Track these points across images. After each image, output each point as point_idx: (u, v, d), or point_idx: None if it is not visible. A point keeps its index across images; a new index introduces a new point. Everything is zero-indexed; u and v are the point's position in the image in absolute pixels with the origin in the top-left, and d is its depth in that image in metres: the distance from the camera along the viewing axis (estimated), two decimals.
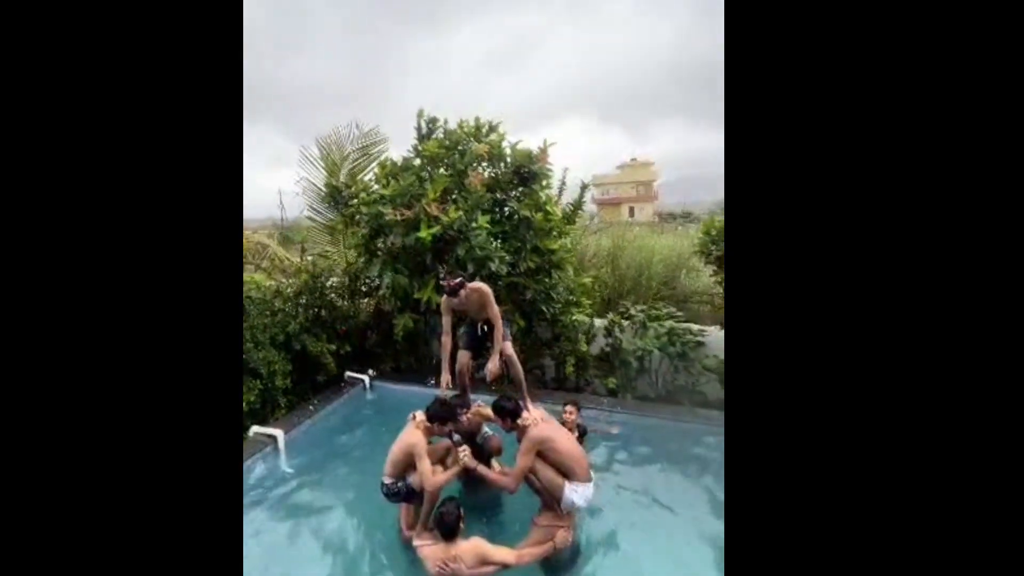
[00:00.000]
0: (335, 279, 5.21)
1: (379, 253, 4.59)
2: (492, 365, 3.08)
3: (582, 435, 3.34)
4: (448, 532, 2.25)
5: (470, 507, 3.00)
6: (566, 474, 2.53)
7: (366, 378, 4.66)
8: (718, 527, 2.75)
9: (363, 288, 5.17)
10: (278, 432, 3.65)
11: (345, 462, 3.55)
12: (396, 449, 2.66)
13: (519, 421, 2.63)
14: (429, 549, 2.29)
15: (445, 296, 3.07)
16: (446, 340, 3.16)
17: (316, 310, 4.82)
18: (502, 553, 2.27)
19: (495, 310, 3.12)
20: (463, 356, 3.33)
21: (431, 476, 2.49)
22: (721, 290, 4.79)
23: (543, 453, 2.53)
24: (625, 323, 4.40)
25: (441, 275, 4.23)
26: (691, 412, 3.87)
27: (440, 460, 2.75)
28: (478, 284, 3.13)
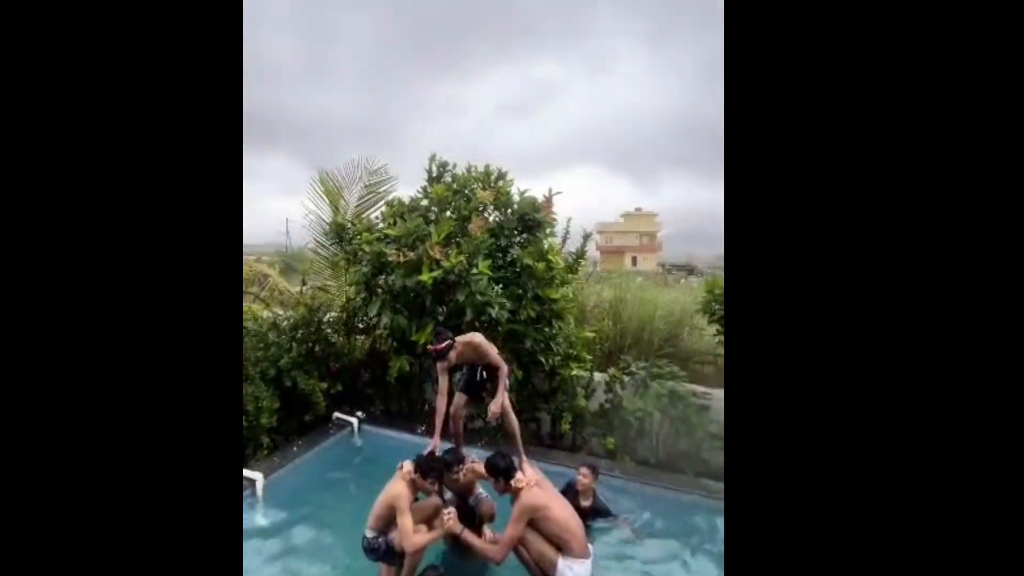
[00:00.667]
0: (332, 314, 5.14)
1: (379, 291, 4.54)
2: (495, 406, 2.93)
3: (601, 515, 3.07)
4: None
5: (455, 575, 2.78)
6: (560, 547, 2.33)
7: (355, 421, 4.47)
8: None
9: (360, 325, 5.09)
10: (257, 475, 3.45)
11: (324, 514, 3.32)
12: (380, 501, 2.49)
13: (512, 483, 2.46)
14: None
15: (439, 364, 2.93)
16: (441, 402, 2.98)
17: (310, 345, 4.72)
18: None
19: (495, 356, 3.00)
20: (459, 399, 3.17)
21: (411, 536, 2.31)
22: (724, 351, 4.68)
23: (536, 522, 2.34)
24: (626, 379, 4.27)
25: (439, 321, 4.15)
26: (693, 482, 3.65)
27: (427, 520, 2.55)
28: (468, 337, 2.99)
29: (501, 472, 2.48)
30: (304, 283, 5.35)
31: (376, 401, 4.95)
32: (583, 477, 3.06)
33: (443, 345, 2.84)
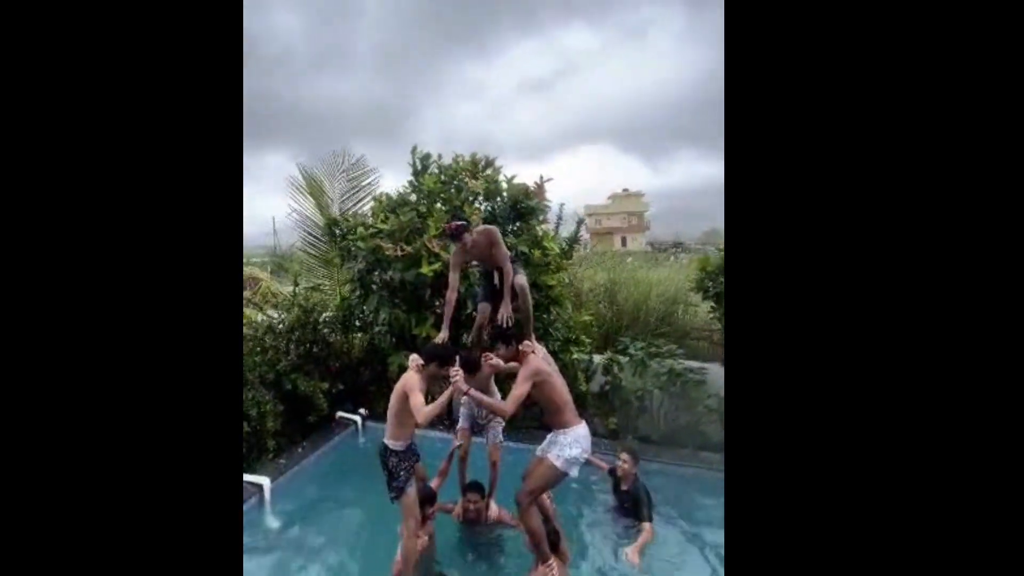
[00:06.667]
0: (328, 313, 5.10)
1: (374, 288, 4.52)
2: (504, 310, 2.95)
3: (637, 505, 3.03)
4: None
5: (470, 546, 2.87)
6: (555, 413, 2.47)
7: (358, 419, 4.49)
8: None
9: (357, 323, 5.07)
10: (264, 480, 3.46)
11: (334, 514, 3.36)
12: (392, 402, 2.52)
13: (521, 347, 2.58)
14: None
15: (454, 248, 3.01)
16: (451, 296, 3.04)
17: (308, 346, 4.69)
18: None
19: (503, 251, 3.00)
20: (483, 308, 3.20)
21: (422, 410, 2.36)
22: (719, 326, 4.76)
23: (538, 386, 2.46)
24: (624, 360, 4.33)
25: (439, 314, 4.14)
26: (694, 456, 3.75)
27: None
28: (484, 227, 3.05)
29: (512, 336, 2.62)
30: (296, 283, 5.29)
31: (378, 398, 4.96)
32: (623, 463, 3.11)
33: (458, 224, 2.91)
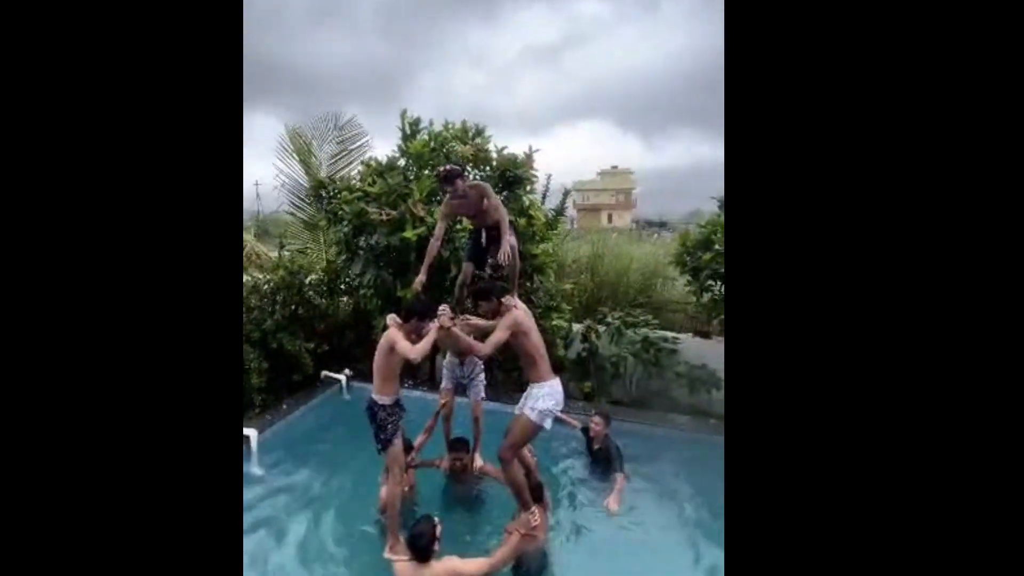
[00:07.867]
0: (314, 276, 5.13)
1: (360, 252, 4.55)
2: (500, 254, 2.86)
3: (609, 461, 3.23)
4: (421, 554, 2.22)
5: (455, 498, 3.05)
6: (531, 365, 2.61)
7: (343, 378, 4.61)
8: (694, 530, 2.88)
9: (342, 287, 5.12)
10: (251, 432, 3.58)
11: (318, 464, 3.52)
12: (377, 358, 2.59)
13: (503, 301, 2.67)
14: (402, 567, 2.28)
15: (447, 198, 2.96)
16: (434, 244, 3.02)
17: (293, 307, 4.75)
18: (476, 564, 2.30)
19: (495, 203, 2.94)
20: (466, 267, 3.22)
21: (411, 348, 2.43)
22: (694, 299, 4.96)
23: (516, 336, 2.58)
24: (602, 329, 4.52)
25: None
26: (662, 418, 4.01)
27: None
28: (477, 181, 3.03)
29: (494, 293, 2.71)
30: (282, 246, 5.28)
31: (363, 359, 5.07)
32: (595, 424, 3.33)
33: (449, 167, 2.89)
